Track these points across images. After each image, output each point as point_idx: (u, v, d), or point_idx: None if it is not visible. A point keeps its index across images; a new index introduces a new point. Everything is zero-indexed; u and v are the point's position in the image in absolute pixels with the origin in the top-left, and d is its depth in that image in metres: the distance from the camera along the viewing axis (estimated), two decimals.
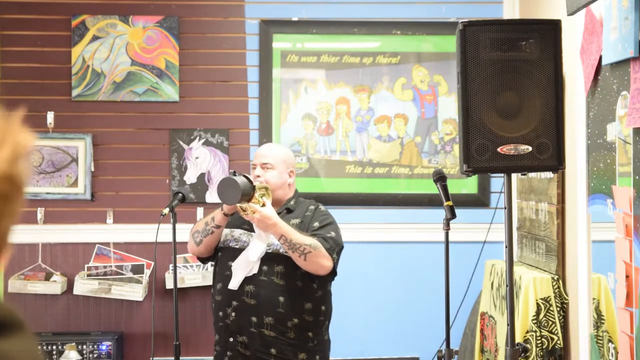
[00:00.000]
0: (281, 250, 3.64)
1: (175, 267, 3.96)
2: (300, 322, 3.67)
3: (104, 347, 4.75)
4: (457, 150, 5.01)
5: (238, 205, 3.56)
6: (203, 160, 5.06)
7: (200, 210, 5.03)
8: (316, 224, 3.72)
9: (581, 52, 3.42)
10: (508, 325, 3.14)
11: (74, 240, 5.02)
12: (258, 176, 3.76)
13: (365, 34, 5.11)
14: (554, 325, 3.78)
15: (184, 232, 4.82)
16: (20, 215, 1.09)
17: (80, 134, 5.02)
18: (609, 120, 3.14)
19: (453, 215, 3.34)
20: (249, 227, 3.75)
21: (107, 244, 5.03)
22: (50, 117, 5.01)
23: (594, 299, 3.32)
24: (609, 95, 3.14)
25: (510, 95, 3.05)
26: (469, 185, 5.09)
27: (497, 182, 5.05)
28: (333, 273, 3.69)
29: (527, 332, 3.77)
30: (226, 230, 3.81)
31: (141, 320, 5.01)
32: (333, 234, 3.69)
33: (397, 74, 5.10)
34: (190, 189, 5.01)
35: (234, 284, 3.66)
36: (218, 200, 5.03)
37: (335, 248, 3.66)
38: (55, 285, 4.90)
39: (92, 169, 5.03)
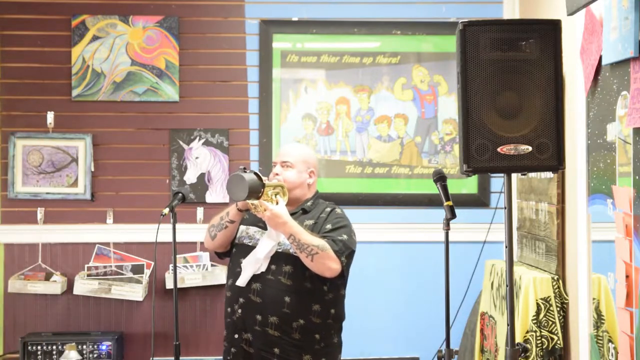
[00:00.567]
0: (291, 251, 3.63)
1: (175, 267, 3.95)
2: (307, 323, 3.64)
3: (104, 347, 4.75)
4: (457, 150, 5.01)
5: (249, 201, 3.55)
6: (203, 160, 5.06)
7: (200, 210, 5.03)
8: (329, 226, 3.70)
9: (581, 52, 3.42)
10: (508, 325, 3.13)
11: (74, 240, 5.02)
12: (277, 174, 3.77)
13: (365, 34, 5.11)
14: (554, 325, 3.78)
15: (184, 232, 4.83)
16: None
17: (80, 134, 5.02)
18: (609, 120, 3.14)
19: (453, 215, 3.34)
20: (263, 226, 3.74)
21: (107, 244, 5.03)
22: (50, 117, 5.01)
23: (594, 299, 3.32)
24: (609, 95, 3.14)
25: (510, 95, 3.05)
26: (469, 185, 5.09)
27: (497, 182, 5.05)
28: (341, 276, 3.67)
29: (527, 332, 3.77)
30: (242, 227, 3.81)
31: (141, 320, 5.01)
32: (345, 237, 3.66)
33: (397, 74, 5.10)
34: (190, 189, 5.01)
35: (241, 281, 3.66)
36: (218, 200, 5.06)
37: (344, 251, 3.62)
38: (55, 285, 4.90)
39: (92, 169, 5.03)
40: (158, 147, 5.07)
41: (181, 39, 5.08)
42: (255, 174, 3.53)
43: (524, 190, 4.46)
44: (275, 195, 3.62)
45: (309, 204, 3.81)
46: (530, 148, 3.04)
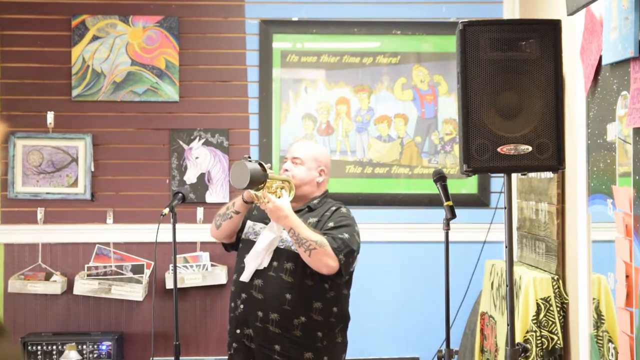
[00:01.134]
0: (293, 248, 3.63)
1: (175, 267, 3.96)
2: (308, 321, 3.63)
3: (104, 347, 4.75)
4: (457, 150, 5.01)
5: (253, 192, 3.55)
6: (203, 160, 5.06)
7: (200, 210, 5.03)
8: (331, 224, 3.69)
9: (581, 52, 3.42)
10: (508, 325, 3.14)
11: (74, 240, 5.02)
12: (286, 170, 3.77)
13: (365, 34, 5.11)
14: (554, 325, 3.78)
15: (184, 232, 4.83)
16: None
17: (80, 134, 5.02)
18: (609, 120, 3.14)
19: (453, 215, 3.34)
20: (269, 222, 3.74)
21: (107, 244, 5.03)
22: (50, 117, 5.01)
23: (594, 299, 3.32)
24: (609, 95, 3.14)
25: (510, 95, 3.05)
26: (469, 185, 5.09)
27: (497, 182, 5.06)
28: (339, 274, 3.66)
29: (527, 332, 3.77)
30: (249, 223, 3.81)
31: (141, 320, 5.01)
32: (346, 235, 3.64)
33: (397, 74, 5.10)
34: (190, 189, 5.01)
35: (244, 276, 3.66)
36: (218, 200, 5.06)
37: (343, 249, 3.60)
38: (55, 285, 4.90)
39: (92, 169, 5.03)
40: (158, 147, 5.07)
41: (181, 39, 5.08)
42: (260, 164, 3.52)
43: (524, 190, 4.46)
44: (281, 189, 3.63)
45: (315, 201, 3.81)
46: (530, 148, 3.04)
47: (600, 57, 3.17)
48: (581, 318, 3.53)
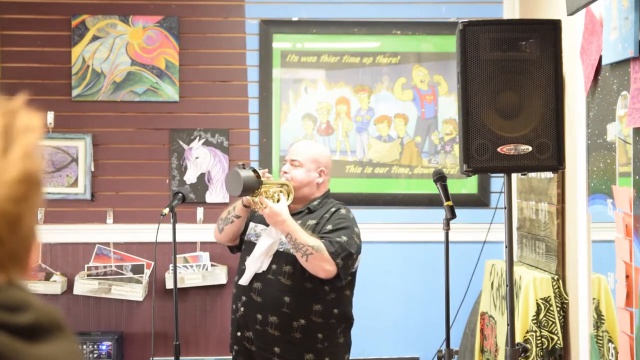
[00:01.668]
0: (292, 251, 3.62)
1: (175, 267, 3.96)
2: (308, 323, 3.62)
3: (104, 347, 4.75)
4: (457, 150, 5.01)
5: (250, 198, 3.56)
6: (203, 160, 5.06)
7: (200, 210, 5.03)
8: (329, 227, 3.66)
9: (581, 52, 3.42)
10: (508, 325, 3.14)
11: (74, 240, 5.02)
12: (285, 172, 3.76)
13: (365, 34, 5.11)
14: (554, 325, 3.78)
15: (184, 232, 4.83)
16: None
17: (80, 134, 5.02)
18: (609, 120, 3.14)
19: (453, 215, 3.34)
20: (269, 225, 3.74)
21: (107, 244, 5.03)
22: (50, 117, 5.01)
23: (594, 299, 3.32)
24: (609, 95, 3.14)
25: (510, 95, 3.05)
26: (469, 185, 5.09)
27: (497, 182, 5.05)
28: (338, 278, 3.63)
29: (527, 332, 3.77)
30: (252, 224, 3.81)
31: (141, 320, 5.01)
32: (344, 238, 3.60)
33: (397, 74, 5.10)
34: (190, 189, 5.01)
35: (244, 280, 3.66)
36: (218, 200, 5.06)
37: (340, 253, 3.56)
38: (55, 285, 4.90)
39: (92, 169, 5.03)
40: (158, 147, 5.07)
41: (181, 39, 5.08)
42: (254, 171, 3.53)
43: (524, 190, 4.46)
44: (279, 193, 3.62)
45: (315, 203, 3.79)
46: (530, 148, 3.05)
47: (600, 57, 3.17)
48: (581, 318, 3.53)
